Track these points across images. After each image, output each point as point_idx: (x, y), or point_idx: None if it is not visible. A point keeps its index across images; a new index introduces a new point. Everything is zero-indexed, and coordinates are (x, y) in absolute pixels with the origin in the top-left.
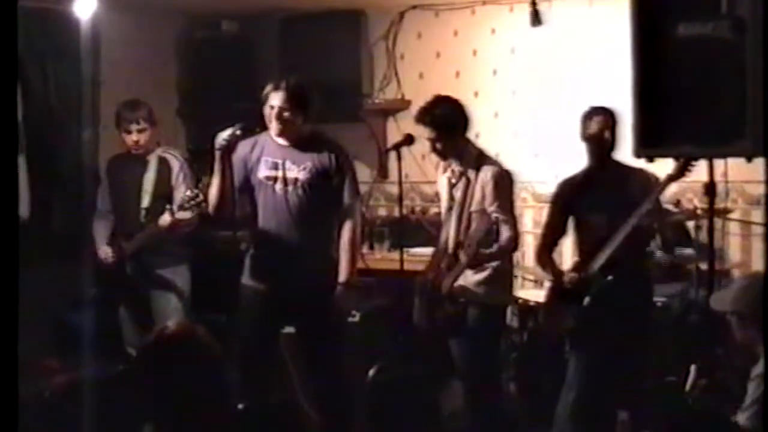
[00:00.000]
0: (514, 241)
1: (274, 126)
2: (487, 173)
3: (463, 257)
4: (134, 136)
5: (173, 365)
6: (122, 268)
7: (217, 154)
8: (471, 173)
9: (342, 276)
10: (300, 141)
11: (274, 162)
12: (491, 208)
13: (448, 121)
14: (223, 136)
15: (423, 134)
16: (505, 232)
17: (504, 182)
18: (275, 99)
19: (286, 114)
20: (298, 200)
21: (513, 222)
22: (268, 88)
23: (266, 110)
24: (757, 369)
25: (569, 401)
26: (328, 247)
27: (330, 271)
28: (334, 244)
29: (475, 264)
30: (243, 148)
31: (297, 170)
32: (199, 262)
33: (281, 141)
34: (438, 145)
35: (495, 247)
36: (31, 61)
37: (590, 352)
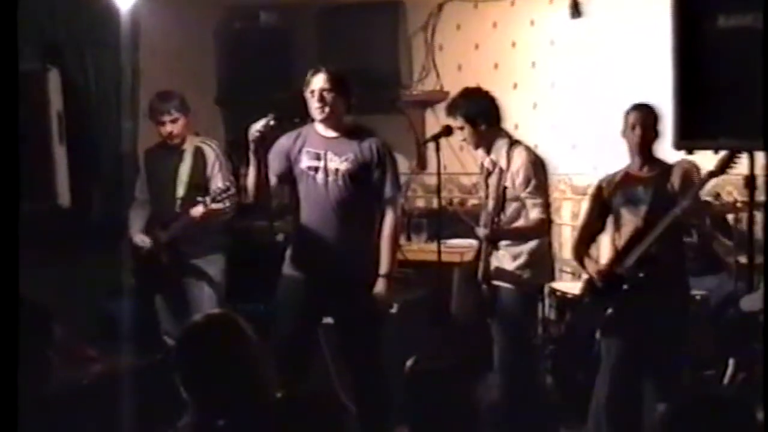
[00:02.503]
0: (545, 224)
1: (316, 109)
2: (518, 160)
3: (481, 231)
4: (168, 127)
5: (211, 354)
6: (158, 257)
7: (252, 146)
8: (503, 162)
9: (383, 268)
10: (342, 132)
11: (316, 153)
12: (524, 194)
13: (476, 112)
14: (257, 127)
15: (454, 125)
16: (534, 214)
17: (535, 166)
18: (316, 82)
19: (327, 96)
20: (338, 191)
21: (544, 205)
22: (309, 73)
23: (307, 96)
24: None
25: (603, 395)
26: (369, 239)
27: (370, 262)
28: (375, 236)
29: (496, 239)
30: (287, 139)
31: (339, 161)
32: (235, 252)
33: (323, 132)
34: (468, 136)
35: (519, 223)
36: (71, 50)
37: (624, 346)
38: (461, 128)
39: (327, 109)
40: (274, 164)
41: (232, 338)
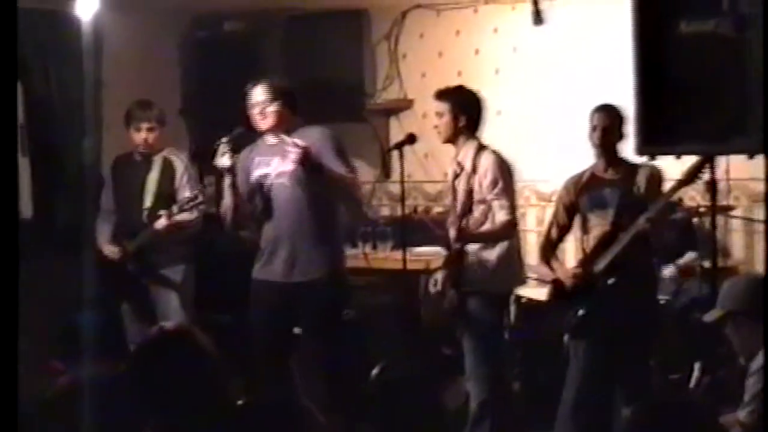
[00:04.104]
0: (511, 226)
1: (258, 121)
2: (485, 162)
3: (452, 233)
4: (143, 134)
5: (168, 366)
6: (124, 267)
7: (226, 176)
8: (470, 164)
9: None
10: (287, 135)
11: (266, 160)
12: (490, 196)
13: (464, 106)
14: (224, 162)
15: (437, 108)
16: (501, 217)
17: (502, 169)
18: (256, 95)
19: (268, 109)
20: (291, 194)
21: (511, 207)
22: (249, 86)
23: (251, 110)
24: (755, 365)
25: (570, 399)
26: (331, 240)
27: (328, 262)
28: (335, 234)
29: (464, 238)
30: (244, 155)
31: (284, 165)
32: (203, 262)
33: (272, 140)
34: (444, 125)
35: (485, 227)
36: (33, 62)
37: (592, 350)
38: (441, 114)
39: (269, 121)
40: (239, 180)
41: (186, 351)
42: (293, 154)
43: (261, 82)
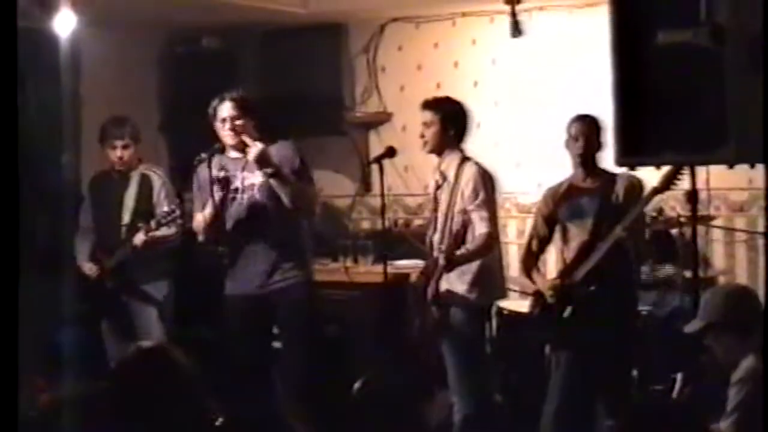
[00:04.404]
0: (491, 238)
1: (226, 137)
2: (468, 172)
3: (441, 260)
4: (118, 152)
5: (146, 385)
6: (103, 283)
7: (217, 187)
8: (453, 174)
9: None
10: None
11: (231, 175)
12: (471, 206)
13: (454, 117)
14: (215, 172)
15: (424, 118)
16: (481, 229)
17: (484, 180)
18: (223, 110)
19: (236, 123)
20: (254, 204)
21: (491, 220)
22: (215, 102)
23: (217, 126)
24: (737, 375)
25: (552, 411)
26: (301, 256)
27: (304, 280)
28: (304, 246)
29: (452, 264)
30: (205, 169)
31: (252, 177)
32: (182, 277)
33: (236, 154)
34: (432, 135)
35: (469, 246)
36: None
37: (572, 361)
38: (429, 124)
39: (235, 136)
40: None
41: (164, 370)
42: (251, 153)
43: (227, 96)
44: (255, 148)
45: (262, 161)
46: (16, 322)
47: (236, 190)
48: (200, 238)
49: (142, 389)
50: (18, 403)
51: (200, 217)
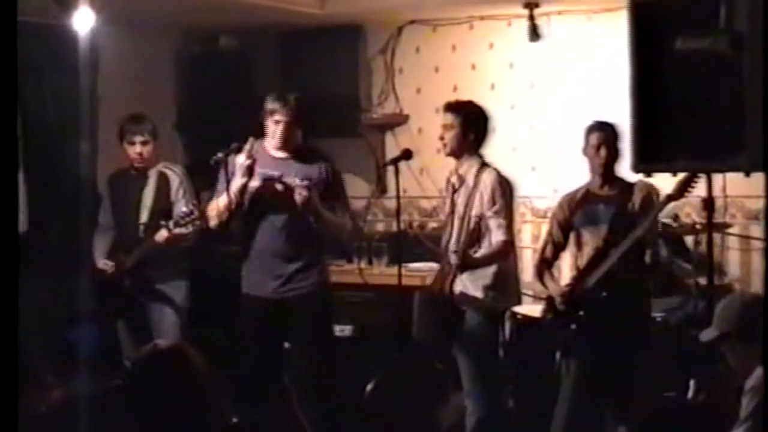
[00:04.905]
0: (508, 246)
1: (278, 139)
2: (487, 179)
3: (453, 259)
4: (137, 149)
5: (161, 384)
6: (120, 282)
7: (241, 177)
8: (472, 179)
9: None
10: (292, 153)
11: (268, 174)
12: (488, 213)
13: (475, 120)
14: (241, 160)
15: (445, 120)
16: (498, 236)
17: (503, 187)
18: (282, 114)
19: (293, 128)
20: (288, 212)
21: (508, 227)
22: (273, 103)
23: (270, 124)
24: (750, 383)
25: (563, 417)
26: (320, 259)
27: (321, 284)
28: (323, 252)
29: (465, 267)
30: (239, 158)
31: (289, 182)
32: (198, 277)
33: (274, 153)
34: (452, 138)
35: (485, 250)
36: (29, 75)
37: (583, 367)
38: (450, 126)
39: (288, 140)
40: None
41: (179, 370)
42: (297, 196)
43: (284, 94)
44: (300, 195)
45: (308, 207)
46: (16, 321)
47: (269, 191)
48: (212, 223)
49: (156, 388)
50: (18, 403)
51: (214, 204)
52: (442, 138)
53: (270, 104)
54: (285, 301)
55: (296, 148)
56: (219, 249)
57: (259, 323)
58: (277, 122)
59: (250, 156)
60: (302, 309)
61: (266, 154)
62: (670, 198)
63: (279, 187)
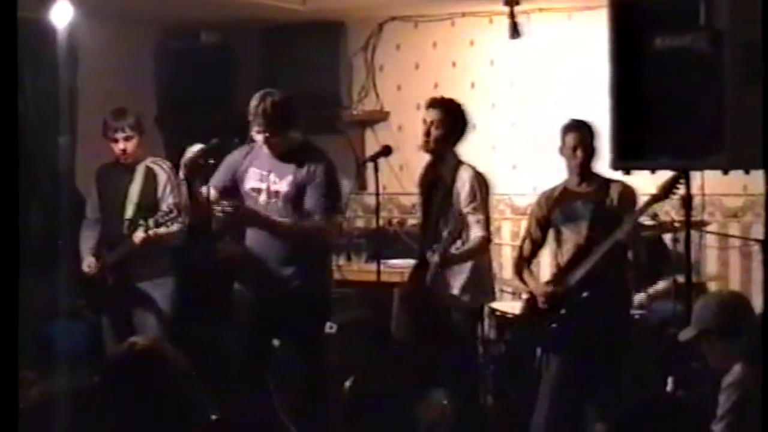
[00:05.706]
0: (485, 241)
1: (261, 137)
2: (463, 175)
3: (434, 258)
4: (120, 145)
5: (138, 381)
6: (104, 278)
7: (182, 169)
8: (449, 177)
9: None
10: (287, 152)
11: (261, 173)
12: (466, 209)
13: (459, 119)
14: (188, 155)
15: (431, 116)
16: (476, 232)
17: (479, 184)
18: (263, 107)
19: (274, 125)
20: (279, 213)
21: (485, 222)
22: (256, 101)
23: (253, 119)
24: (728, 379)
25: (543, 414)
26: (310, 259)
27: (309, 282)
28: (316, 256)
29: (445, 264)
30: (238, 154)
31: (280, 183)
32: (182, 274)
33: (269, 151)
34: (436, 134)
35: (464, 247)
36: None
37: (563, 364)
38: (435, 124)
39: (272, 137)
40: (219, 176)
41: (156, 367)
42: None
43: (269, 93)
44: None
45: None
46: (16, 321)
47: (259, 190)
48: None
49: (133, 385)
50: (18, 400)
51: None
52: (427, 134)
53: (253, 103)
54: (275, 299)
55: (287, 145)
56: (204, 245)
57: (249, 319)
58: (260, 119)
59: (248, 155)
60: (294, 306)
61: (262, 153)
62: (656, 198)
63: (261, 199)
